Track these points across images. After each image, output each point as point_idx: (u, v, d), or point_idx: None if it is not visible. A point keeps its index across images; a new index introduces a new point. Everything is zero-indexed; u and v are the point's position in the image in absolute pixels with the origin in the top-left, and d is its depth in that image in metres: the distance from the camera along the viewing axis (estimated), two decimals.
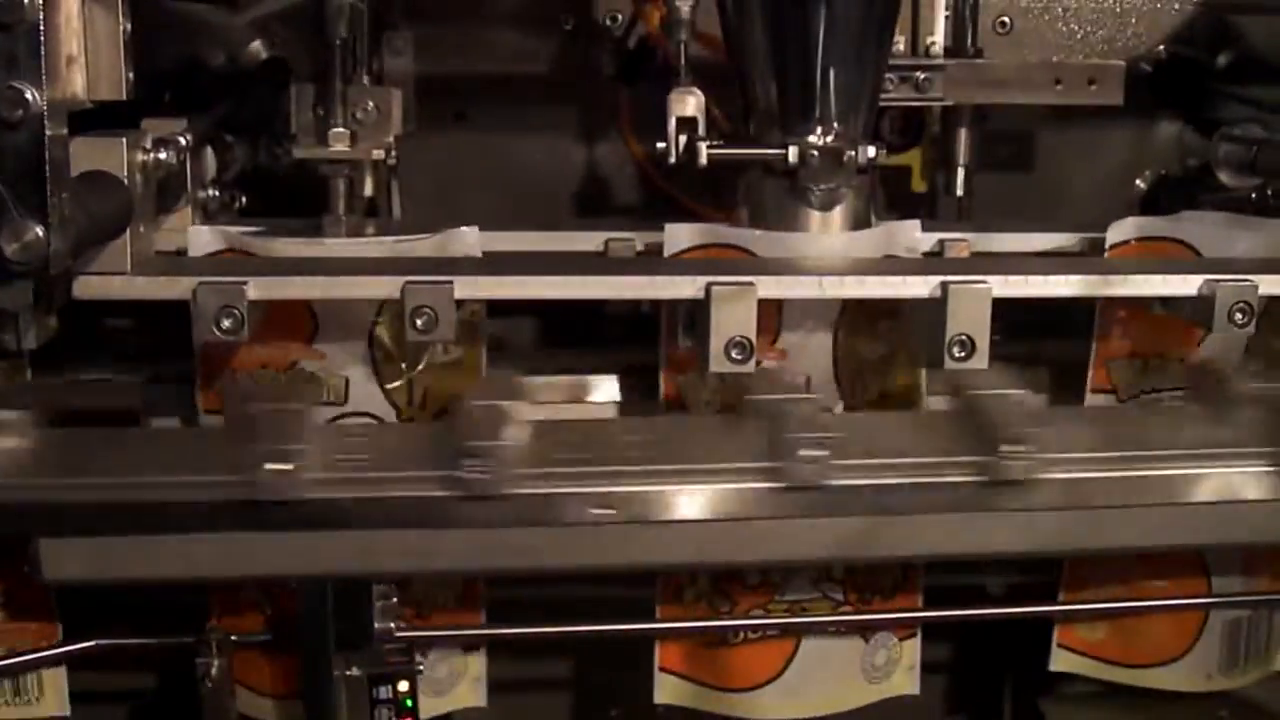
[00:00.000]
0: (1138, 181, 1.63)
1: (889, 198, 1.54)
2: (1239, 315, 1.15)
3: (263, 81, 1.35)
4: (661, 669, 1.28)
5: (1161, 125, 1.63)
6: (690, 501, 1.10)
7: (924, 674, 1.48)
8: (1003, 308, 1.12)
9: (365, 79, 1.32)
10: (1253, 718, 1.41)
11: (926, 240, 1.27)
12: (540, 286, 1.12)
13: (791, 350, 1.22)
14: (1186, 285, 1.16)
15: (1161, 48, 1.58)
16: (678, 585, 1.26)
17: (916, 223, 1.23)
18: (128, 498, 1.08)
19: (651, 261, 1.21)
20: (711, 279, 1.09)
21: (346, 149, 1.26)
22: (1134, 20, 1.57)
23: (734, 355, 1.08)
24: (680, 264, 1.18)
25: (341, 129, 1.26)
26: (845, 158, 1.17)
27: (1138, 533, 1.16)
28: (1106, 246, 1.26)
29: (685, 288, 1.10)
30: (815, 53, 1.17)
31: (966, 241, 1.30)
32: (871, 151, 1.18)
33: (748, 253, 1.21)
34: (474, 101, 1.55)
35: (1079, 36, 1.58)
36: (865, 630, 1.29)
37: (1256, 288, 1.15)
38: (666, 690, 1.29)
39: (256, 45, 1.35)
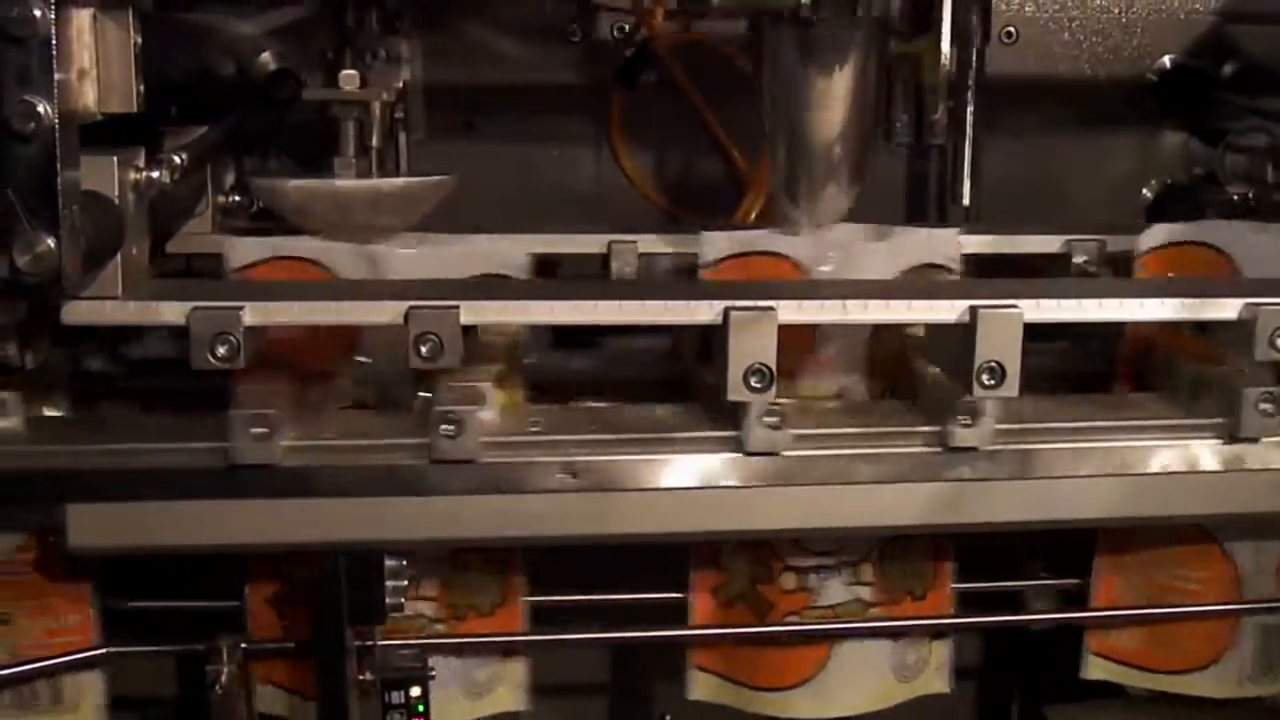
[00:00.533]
0: (1144, 190, 1.64)
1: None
2: None
3: (272, 92, 1.36)
4: (696, 667, 1.29)
5: (1167, 135, 1.63)
6: (653, 470, 1.12)
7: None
8: None
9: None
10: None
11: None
12: (550, 311, 1.12)
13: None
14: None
15: (1167, 58, 1.59)
16: (715, 585, 1.26)
17: (955, 231, 1.25)
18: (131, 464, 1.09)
19: (666, 285, 1.21)
20: (730, 303, 1.07)
21: (356, 90, 1.26)
22: (1139, 31, 1.59)
23: (753, 383, 1.07)
24: (697, 287, 1.17)
25: (351, 71, 1.27)
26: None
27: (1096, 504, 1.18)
28: (1138, 253, 1.27)
29: (702, 312, 1.09)
30: None
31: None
32: None
33: (785, 258, 1.23)
34: (483, 111, 1.56)
35: (1084, 47, 1.59)
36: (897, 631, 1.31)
37: None
38: (700, 687, 1.30)
39: (266, 56, 1.36)
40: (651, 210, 1.59)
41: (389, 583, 1.17)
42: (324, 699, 1.19)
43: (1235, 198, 1.54)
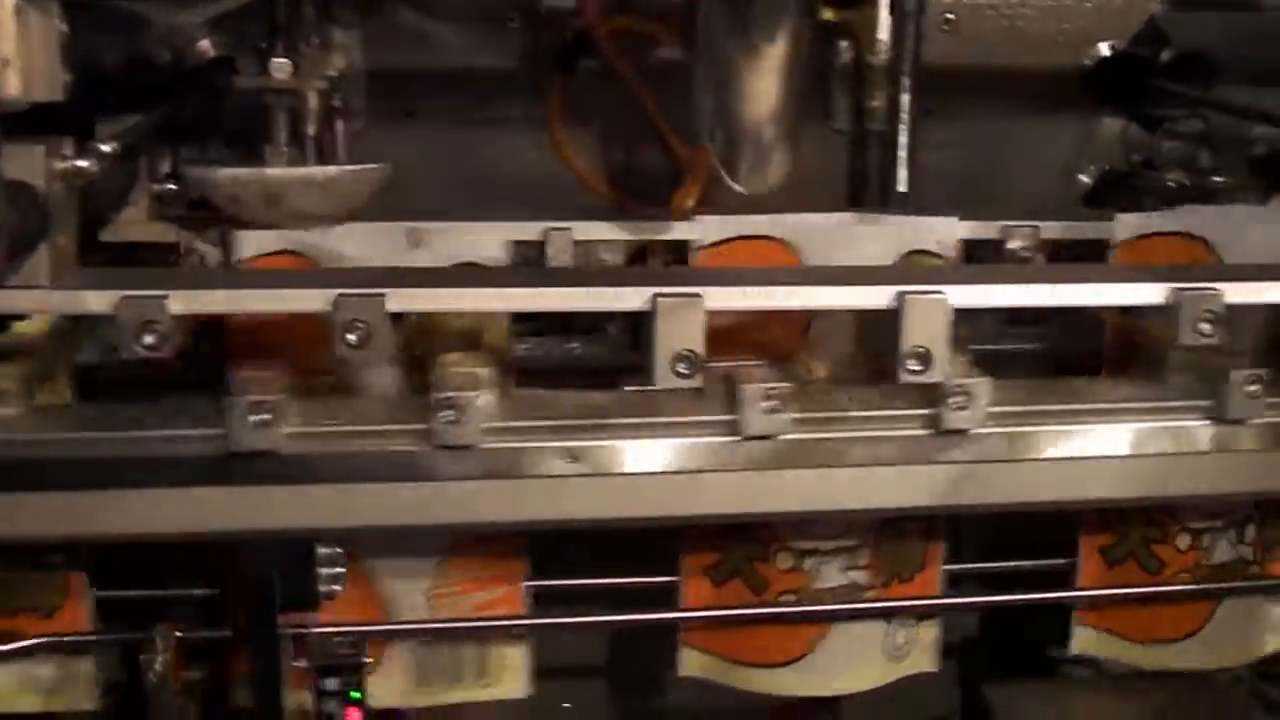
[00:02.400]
0: (1082, 176, 1.65)
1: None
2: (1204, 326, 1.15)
3: (209, 80, 1.36)
4: (687, 645, 1.31)
5: (1105, 121, 1.64)
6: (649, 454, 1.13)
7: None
8: None
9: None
10: (1190, 700, 1.44)
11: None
12: (479, 299, 1.12)
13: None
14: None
15: (1104, 45, 1.60)
16: (710, 564, 1.28)
17: (954, 219, 1.28)
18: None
19: (596, 272, 1.22)
20: (658, 290, 1.08)
21: (287, 79, 1.26)
22: (1077, 18, 1.59)
23: (680, 369, 1.08)
24: (626, 274, 1.18)
25: (283, 60, 1.27)
26: None
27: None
28: (1114, 243, 1.29)
29: (631, 299, 1.09)
30: None
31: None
32: None
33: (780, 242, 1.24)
34: (423, 98, 1.55)
35: (1022, 34, 1.60)
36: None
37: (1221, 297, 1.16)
38: (690, 664, 1.32)
39: (204, 44, 1.36)
40: (594, 197, 1.58)
41: (322, 570, 1.17)
42: (259, 686, 1.20)
43: (1172, 184, 1.56)
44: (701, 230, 1.26)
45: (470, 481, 1.11)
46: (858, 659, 1.32)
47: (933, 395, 1.13)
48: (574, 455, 1.12)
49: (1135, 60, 1.58)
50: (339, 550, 1.18)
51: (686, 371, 1.07)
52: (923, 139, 1.57)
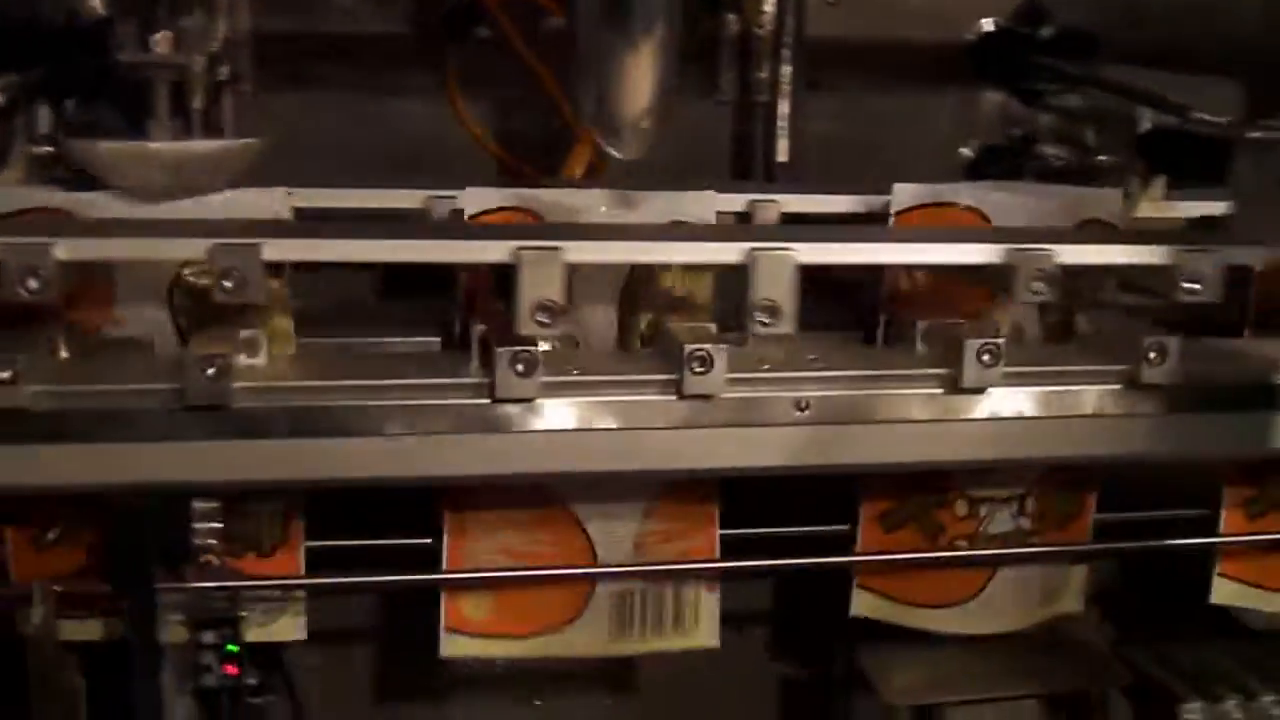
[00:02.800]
0: (964, 150, 1.69)
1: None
2: (1037, 284, 1.19)
3: (97, 39, 1.36)
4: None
5: (987, 96, 1.68)
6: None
7: (747, 626, 1.57)
8: None
9: None
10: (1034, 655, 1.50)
11: (732, 204, 1.33)
12: (349, 250, 1.14)
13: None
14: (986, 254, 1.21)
15: (986, 21, 1.64)
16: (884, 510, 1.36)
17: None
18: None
19: (461, 226, 1.25)
20: (520, 244, 1.11)
21: (169, 53, 1.26)
22: None
23: (540, 318, 1.11)
24: (490, 229, 1.21)
25: (165, 33, 1.26)
26: None
27: None
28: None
29: (494, 252, 1.12)
30: None
31: (776, 203, 1.34)
32: None
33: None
34: (315, 62, 1.56)
35: (907, 9, 1.63)
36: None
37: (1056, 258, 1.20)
38: (862, 604, 1.39)
39: (94, 3, 1.36)
40: (484, 160, 1.60)
41: (197, 525, 1.19)
42: (135, 641, 1.21)
43: (1055, 159, 1.60)
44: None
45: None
46: (1020, 601, 1.41)
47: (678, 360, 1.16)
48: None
49: (1016, 36, 1.63)
50: (215, 505, 1.20)
51: (545, 320, 1.10)
52: (809, 111, 1.61)
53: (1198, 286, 1.23)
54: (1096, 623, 1.62)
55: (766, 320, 1.13)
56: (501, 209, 1.30)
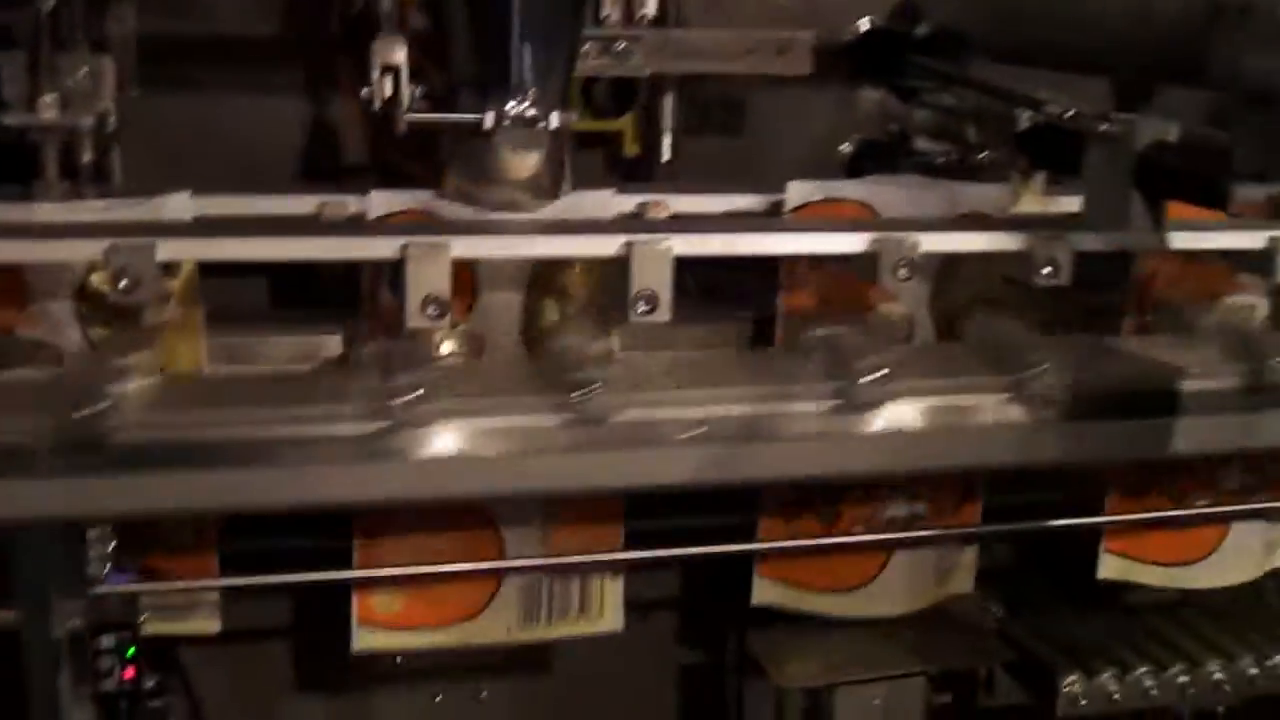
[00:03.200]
0: (843, 146, 1.73)
1: (606, 161, 1.62)
2: (902, 270, 1.24)
3: None
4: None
5: (866, 93, 1.73)
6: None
7: (650, 612, 1.62)
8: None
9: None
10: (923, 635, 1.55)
11: (625, 204, 1.35)
12: (243, 248, 1.16)
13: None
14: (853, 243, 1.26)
15: (863, 20, 1.69)
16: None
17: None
18: None
19: (351, 224, 1.26)
20: (408, 240, 1.14)
21: (56, 116, 1.27)
22: None
23: (429, 311, 1.13)
24: (379, 226, 1.23)
25: (51, 96, 1.27)
26: (538, 124, 1.23)
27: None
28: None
29: (383, 248, 1.15)
30: (510, 23, 1.22)
31: (663, 203, 1.37)
32: (562, 117, 1.24)
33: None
34: (199, 65, 1.56)
35: (786, 8, 1.67)
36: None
37: (918, 244, 1.25)
38: (764, 592, 1.42)
39: None
40: (373, 163, 1.61)
41: (91, 549, 1.21)
42: (33, 652, 1.22)
43: (936, 156, 1.65)
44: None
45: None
46: (915, 583, 1.45)
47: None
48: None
49: (891, 35, 1.67)
50: (109, 529, 1.21)
51: (434, 313, 1.13)
52: (689, 112, 1.64)
53: (1051, 270, 1.28)
54: (986, 602, 1.67)
55: (645, 309, 1.17)
56: (406, 212, 1.31)
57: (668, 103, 1.56)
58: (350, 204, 1.32)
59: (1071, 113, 1.39)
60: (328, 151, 1.61)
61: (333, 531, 1.32)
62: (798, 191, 1.37)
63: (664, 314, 1.18)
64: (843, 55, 1.69)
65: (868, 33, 1.68)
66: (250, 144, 1.57)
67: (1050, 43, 1.56)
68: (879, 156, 1.70)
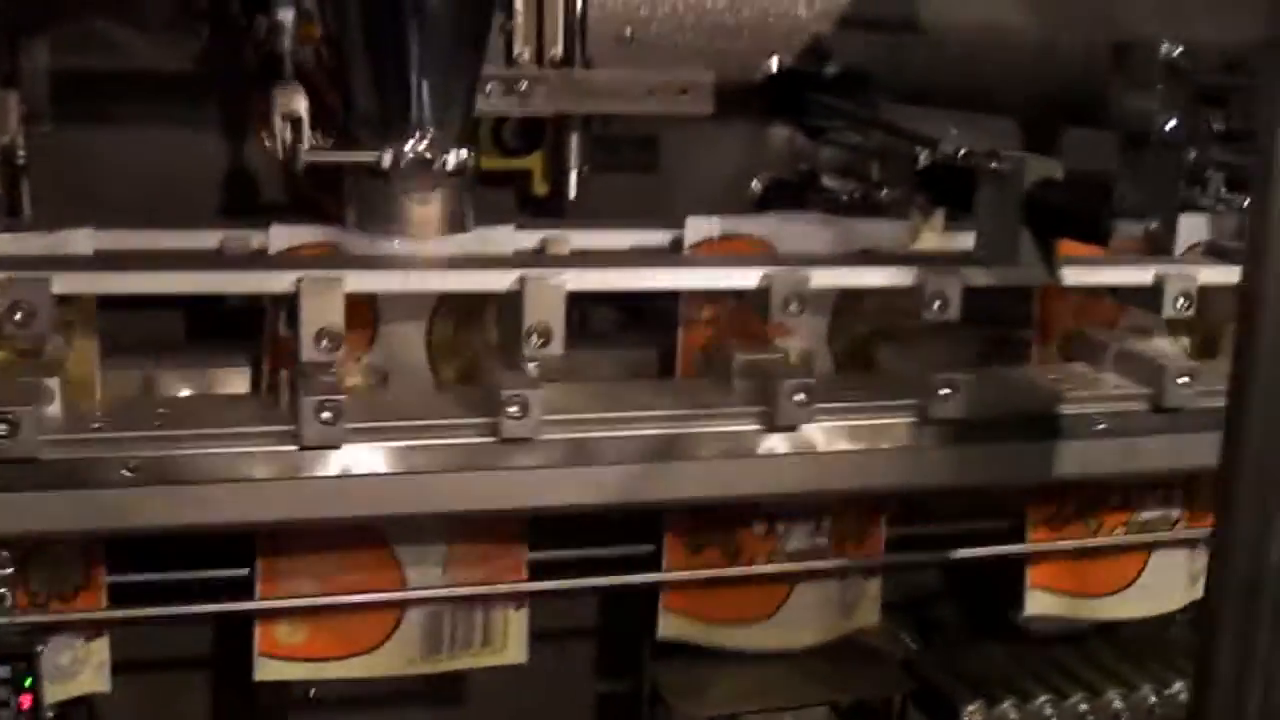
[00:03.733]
0: (754, 183, 1.76)
1: (518, 199, 1.64)
2: (794, 305, 1.27)
3: None
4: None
5: (776, 131, 1.76)
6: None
7: (568, 641, 1.63)
8: None
9: None
10: (830, 666, 1.56)
11: (528, 239, 1.37)
12: (139, 282, 1.18)
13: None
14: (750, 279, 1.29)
15: (773, 59, 1.72)
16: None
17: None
18: None
19: (246, 258, 1.28)
20: (302, 274, 1.16)
21: None
22: (746, 34, 1.70)
23: (323, 345, 1.15)
24: (275, 259, 1.25)
25: None
26: (436, 163, 1.25)
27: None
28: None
29: (278, 282, 1.17)
30: (408, 63, 1.25)
31: (563, 239, 1.39)
32: (459, 157, 1.26)
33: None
34: (113, 100, 1.57)
35: (698, 49, 1.70)
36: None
37: (808, 279, 1.28)
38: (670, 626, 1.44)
39: None
40: (286, 199, 1.61)
41: None
42: None
43: (840, 193, 1.68)
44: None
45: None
46: (819, 615, 1.46)
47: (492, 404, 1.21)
48: None
49: (800, 75, 1.70)
50: (4, 553, 1.22)
51: (328, 345, 1.15)
52: (601, 147, 1.66)
53: (941, 305, 1.31)
54: (898, 633, 1.69)
55: (540, 343, 1.18)
56: (309, 245, 1.33)
57: (573, 141, 1.58)
58: (253, 238, 1.34)
59: (964, 152, 1.42)
60: (242, 187, 1.61)
61: (237, 564, 1.33)
62: (696, 228, 1.39)
63: (557, 349, 1.19)
64: (754, 94, 1.72)
65: (777, 72, 1.71)
66: (164, 179, 1.57)
67: (952, 84, 1.60)
68: (788, 194, 1.73)
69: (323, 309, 1.15)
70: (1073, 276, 1.41)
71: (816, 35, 1.71)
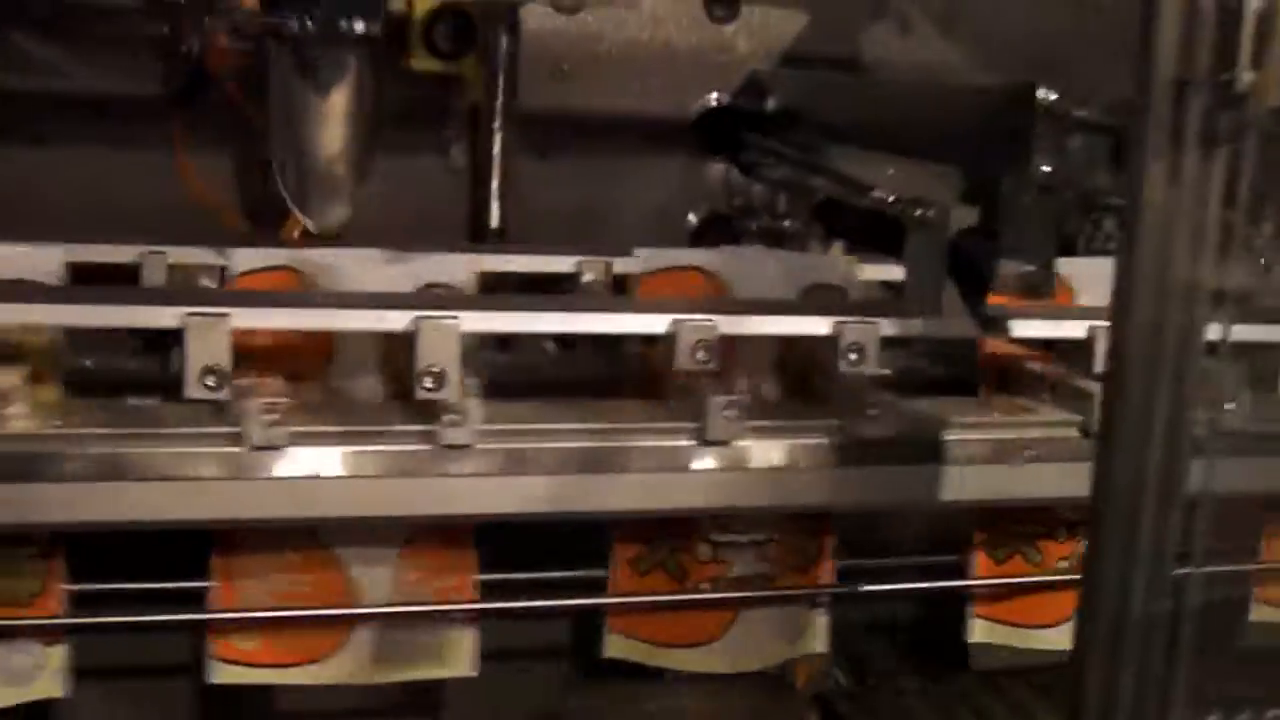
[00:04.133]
0: (690, 216, 1.78)
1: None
2: (700, 354, 1.28)
3: None
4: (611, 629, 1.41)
5: (712, 167, 1.78)
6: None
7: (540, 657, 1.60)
8: None
9: None
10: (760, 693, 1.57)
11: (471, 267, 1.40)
12: (29, 313, 1.19)
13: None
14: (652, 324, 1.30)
15: (709, 96, 1.74)
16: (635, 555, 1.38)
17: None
18: None
19: (139, 291, 1.29)
20: (189, 309, 1.15)
21: None
22: (683, 71, 1.72)
23: (208, 383, 1.15)
24: (162, 294, 1.26)
25: None
26: None
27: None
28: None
29: (165, 318, 1.17)
30: None
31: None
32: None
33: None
34: (52, 121, 1.60)
35: (634, 85, 1.72)
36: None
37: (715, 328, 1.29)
38: (615, 646, 1.42)
39: None
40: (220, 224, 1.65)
41: None
42: None
43: (773, 227, 1.70)
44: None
45: None
46: (763, 641, 1.44)
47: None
48: None
49: (733, 112, 1.72)
50: None
51: (213, 384, 1.15)
52: (538, 179, 1.69)
53: (856, 357, 1.32)
54: (830, 667, 1.70)
55: (430, 386, 1.18)
56: (268, 269, 1.34)
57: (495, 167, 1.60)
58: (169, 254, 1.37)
59: (892, 199, 1.43)
60: (180, 209, 1.64)
61: (191, 570, 1.34)
62: (644, 259, 1.41)
63: (452, 393, 1.19)
64: (690, 130, 1.74)
65: (713, 109, 1.73)
66: (97, 197, 1.60)
67: (888, 124, 1.61)
68: (723, 228, 1.75)
69: (209, 346, 1.15)
70: (994, 327, 1.41)
71: (754, 72, 1.73)
